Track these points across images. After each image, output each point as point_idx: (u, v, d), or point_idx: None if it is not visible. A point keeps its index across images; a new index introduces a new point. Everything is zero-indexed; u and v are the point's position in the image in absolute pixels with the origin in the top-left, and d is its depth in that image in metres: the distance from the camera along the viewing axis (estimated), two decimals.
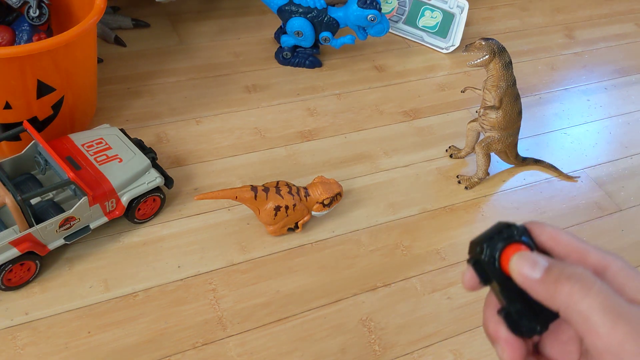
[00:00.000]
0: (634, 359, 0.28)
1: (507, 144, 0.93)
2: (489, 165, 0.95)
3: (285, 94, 1.10)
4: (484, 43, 0.87)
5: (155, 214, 0.84)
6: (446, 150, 1.02)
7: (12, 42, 0.93)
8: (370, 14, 1.09)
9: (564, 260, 0.33)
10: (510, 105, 0.89)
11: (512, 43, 1.32)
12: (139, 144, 0.86)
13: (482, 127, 0.93)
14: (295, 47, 1.16)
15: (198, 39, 1.21)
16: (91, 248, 0.79)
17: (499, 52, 0.87)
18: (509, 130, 0.92)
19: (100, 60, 1.09)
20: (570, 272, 0.30)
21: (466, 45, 0.90)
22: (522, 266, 0.32)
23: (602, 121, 1.15)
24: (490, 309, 0.35)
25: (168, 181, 0.84)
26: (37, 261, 0.73)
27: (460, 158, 1.00)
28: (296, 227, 0.83)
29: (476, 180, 0.96)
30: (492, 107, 0.90)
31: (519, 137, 0.96)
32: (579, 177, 1.01)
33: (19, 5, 0.90)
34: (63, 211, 0.75)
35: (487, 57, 0.87)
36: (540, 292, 0.31)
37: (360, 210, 0.90)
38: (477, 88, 0.95)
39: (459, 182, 0.96)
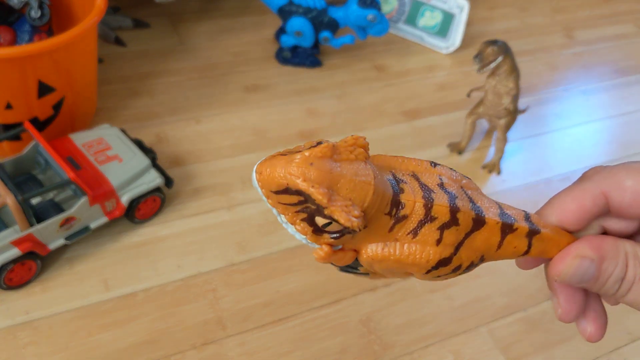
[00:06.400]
0: None
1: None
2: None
3: (285, 94, 1.10)
4: (496, 48, 0.89)
5: (155, 214, 0.85)
6: (451, 150, 1.02)
7: (13, 42, 0.93)
8: (370, 14, 1.09)
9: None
10: (519, 88, 0.95)
11: (512, 43, 1.31)
12: (139, 144, 0.86)
13: (498, 117, 0.96)
14: (295, 47, 1.16)
15: (198, 39, 1.21)
16: (91, 248, 0.80)
17: (507, 49, 0.91)
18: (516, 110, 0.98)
19: (100, 60, 1.09)
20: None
21: (476, 56, 0.90)
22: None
23: (602, 121, 1.15)
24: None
25: (168, 181, 0.84)
26: (37, 261, 0.74)
27: (463, 149, 1.02)
28: None
29: (498, 160, 1.00)
30: (513, 95, 0.94)
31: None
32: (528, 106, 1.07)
33: (20, 6, 0.91)
34: (63, 211, 0.75)
35: (501, 58, 0.90)
36: None
37: None
38: (480, 86, 0.97)
39: (489, 171, 0.99)
